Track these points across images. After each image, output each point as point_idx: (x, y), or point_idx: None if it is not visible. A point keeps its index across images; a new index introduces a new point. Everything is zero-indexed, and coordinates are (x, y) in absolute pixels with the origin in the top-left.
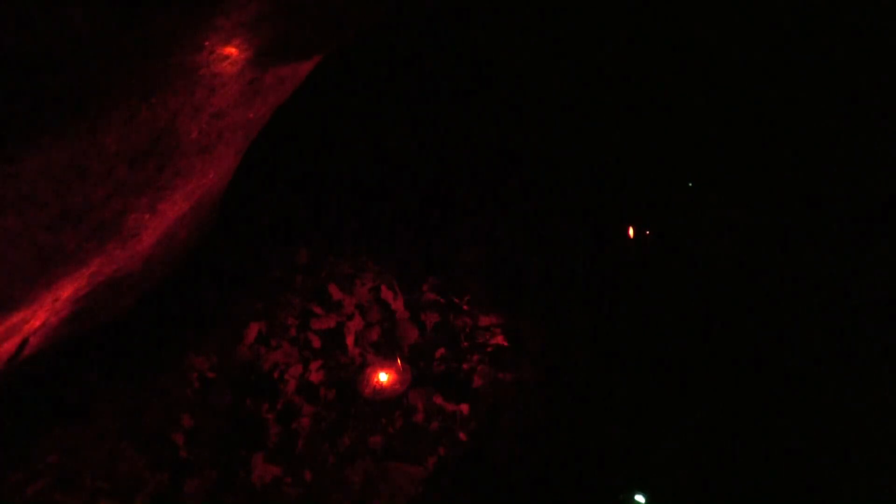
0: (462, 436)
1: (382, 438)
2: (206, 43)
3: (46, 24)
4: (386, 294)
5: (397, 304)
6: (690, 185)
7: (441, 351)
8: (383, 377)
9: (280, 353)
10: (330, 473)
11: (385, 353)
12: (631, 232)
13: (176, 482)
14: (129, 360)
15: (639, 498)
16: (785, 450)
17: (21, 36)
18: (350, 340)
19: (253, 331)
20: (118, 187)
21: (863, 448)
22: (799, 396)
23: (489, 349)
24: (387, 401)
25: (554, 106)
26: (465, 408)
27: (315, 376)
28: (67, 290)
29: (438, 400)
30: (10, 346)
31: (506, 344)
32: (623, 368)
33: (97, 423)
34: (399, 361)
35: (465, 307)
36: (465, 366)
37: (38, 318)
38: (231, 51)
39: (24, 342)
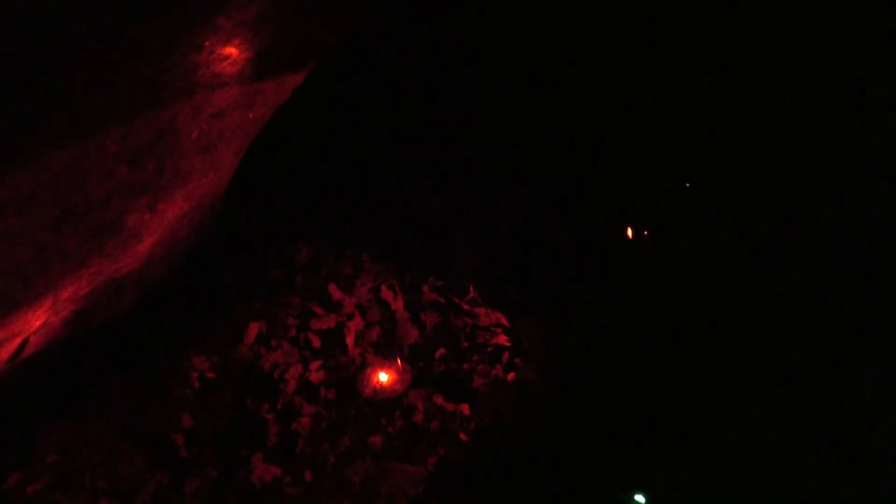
0: (462, 436)
1: (382, 438)
2: (206, 43)
3: (46, 25)
4: (386, 294)
5: (397, 304)
6: (688, 185)
7: (441, 351)
8: (383, 377)
9: (280, 353)
10: (330, 473)
11: (385, 353)
12: (630, 232)
13: (176, 482)
14: (129, 360)
15: (639, 498)
16: (786, 449)
17: (22, 37)
18: (350, 340)
19: (253, 331)
20: (118, 187)
21: (864, 448)
22: (799, 396)
23: (489, 349)
24: (387, 401)
25: (554, 106)
26: (465, 408)
27: (315, 376)
28: (68, 291)
29: (438, 400)
30: (11, 346)
31: (506, 344)
32: (623, 368)
33: (97, 423)
34: (399, 361)
35: (465, 307)
36: (465, 366)
37: (38, 318)
38: (231, 51)
39: (25, 342)
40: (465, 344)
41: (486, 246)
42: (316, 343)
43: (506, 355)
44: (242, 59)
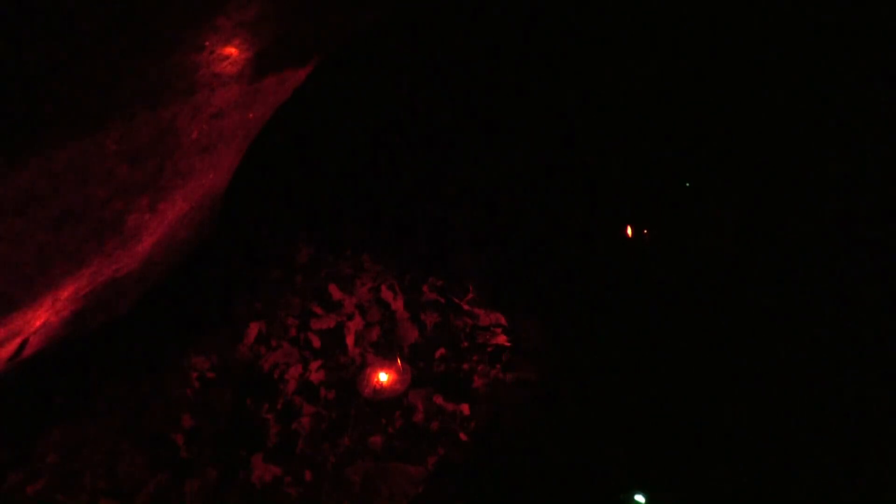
0: (462, 436)
1: (382, 438)
2: (207, 43)
3: (46, 24)
4: (386, 294)
5: (397, 304)
6: (688, 184)
7: (441, 351)
8: (383, 377)
9: (280, 353)
10: (330, 473)
11: (385, 353)
12: (629, 231)
13: (176, 482)
14: (129, 360)
15: (639, 498)
16: (785, 449)
17: (21, 37)
18: (350, 340)
19: (253, 331)
20: (118, 187)
21: (863, 448)
22: (798, 395)
23: (489, 349)
24: (387, 401)
25: (554, 106)
26: (465, 408)
27: (315, 376)
28: (68, 290)
29: (438, 400)
30: (11, 346)
31: (506, 344)
32: (623, 368)
33: (97, 423)
34: (399, 361)
35: (465, 307)
36: (465, 366)
37: (38, 318)
38: (231, 51)
39: (25, 342)
40: (465, 344)
41: (485, 246)
42: (316, 343)
43: (506, 355)
44: (242, 59)
